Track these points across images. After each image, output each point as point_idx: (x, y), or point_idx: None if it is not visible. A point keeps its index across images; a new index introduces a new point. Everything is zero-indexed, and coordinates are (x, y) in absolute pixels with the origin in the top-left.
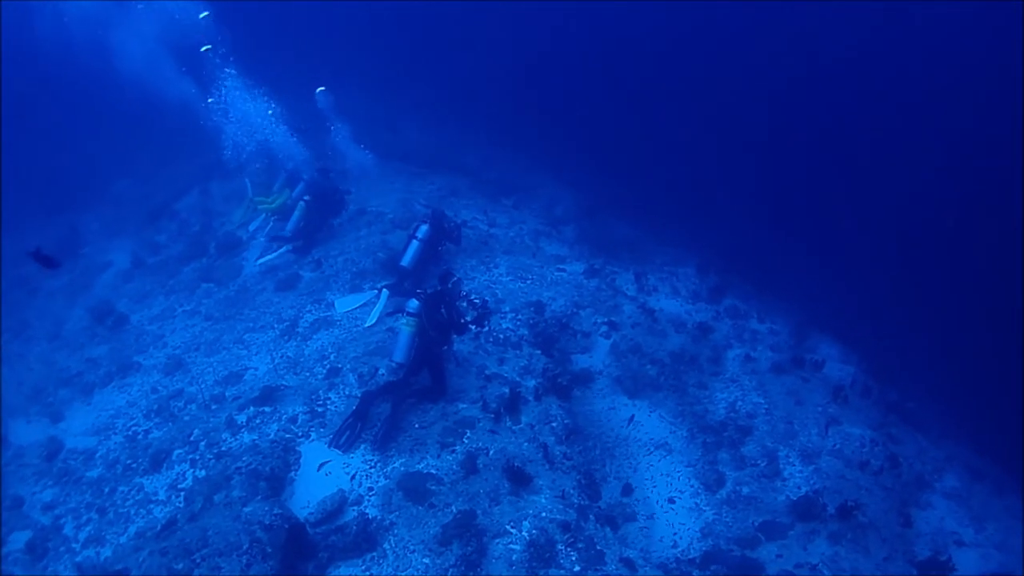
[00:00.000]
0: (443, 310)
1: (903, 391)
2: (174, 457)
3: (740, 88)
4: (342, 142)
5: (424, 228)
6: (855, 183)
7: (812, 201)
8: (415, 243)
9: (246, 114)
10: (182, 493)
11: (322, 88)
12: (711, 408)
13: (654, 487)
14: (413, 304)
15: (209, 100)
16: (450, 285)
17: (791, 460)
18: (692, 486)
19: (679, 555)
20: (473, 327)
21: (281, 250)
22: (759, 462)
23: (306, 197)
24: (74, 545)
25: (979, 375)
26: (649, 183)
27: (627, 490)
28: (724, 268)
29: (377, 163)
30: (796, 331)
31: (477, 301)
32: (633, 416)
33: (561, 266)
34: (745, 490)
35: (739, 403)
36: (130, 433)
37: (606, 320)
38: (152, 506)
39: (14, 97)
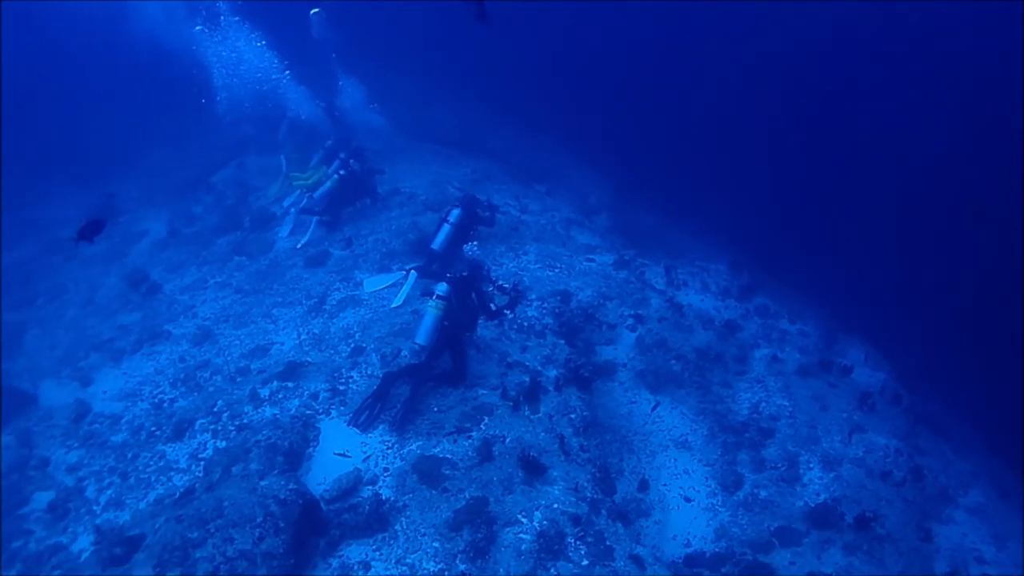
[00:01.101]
0: (473, 295)
1: (935, 401)
2: (197, 427)
3: (780, 82)
4: (349, 100)
5: (456, 212)
6: (901, 188)
7: (853, 203)
8: (446, 227)
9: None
10: (202, 463)
11: (316, 10)
12: (734, 408)
13: (671, 484)
14: (443, 287)
15: (197, 28)
16: (483, 271)
17: (812, 466)
18: (709, 486)
19: (691, 554)
20: (507, 312)
21: (312, 224)
22: (779, 466)
23: (342, 171)
24: (95, 508)
25: (1015, 390)
26: (687, 177)
27: (643, 486)
28: (757, 266)
29: (386, 124)
30: (827, 334)
31: (507, 286)
32: (658, 404)
33: (591, 256)
34: (763, 493)
35: (763, 404)
36: (156, 400)
37: (633, 313)
38: (172, 474)
39: (54, 68)
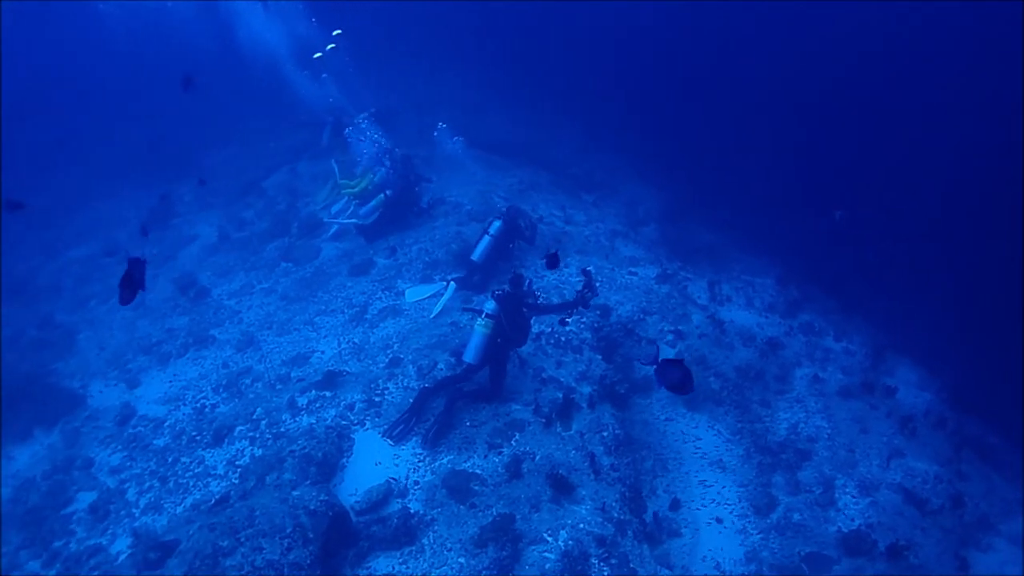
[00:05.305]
0: (524, 310)
1: (984, 424)
2: (236, 433)
3: (833, 92)
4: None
5: (497, 224)
6: (956, 203)
7: (908, 217)
8: (487, 238)
9: None
10: (239, 470)
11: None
12: (772, 428)
13: (703, 505)
14: (490, 305)
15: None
16: (524, 288)
17: (848, 490)
18: (742, 507)
19: None
20: (572, 313)
21: (349, 221)
22: (814, 489)
23: (387, 191)
24: (134, 510)
25: None
26: (738, 188)
27: (675, 505)
28: (807, 281)
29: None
30: (874, 353)
31: (590, 269)
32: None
33: (633, 269)
34: (796, 517)
35: (801, 425)
36: (198, 406)
37: (673, 328)
38: (210, 479)
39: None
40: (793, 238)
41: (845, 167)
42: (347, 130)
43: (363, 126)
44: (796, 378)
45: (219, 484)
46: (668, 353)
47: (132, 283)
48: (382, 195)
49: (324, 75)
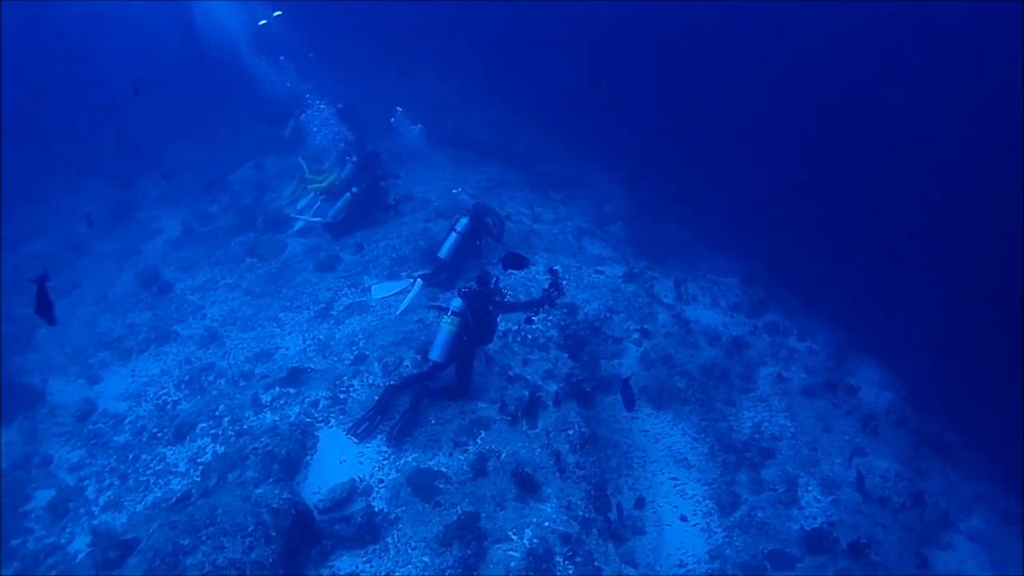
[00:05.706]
0: (491, 308)
1: (944, 422)
2: (198, 430)
3: (803, 94)
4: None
5: (464, 221)
6: (923, 204)
7: (874, 218)
8: (453, 235)
9: None
10: (200, 467)
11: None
12: (736, 427)
13: (668, 502)
14: (457, 303)
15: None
16: (491, 286)
17: (810, 488)
18: (706, 505)
19: (684, 575)
20: (537, 311)
21: (315, 219)
22: (777, 487)
23: (354, 189)
24: (93, 508)
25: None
26: (705, 188)
27: (640, 503)
28: (772, 280)
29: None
30: (837, 352)
31: (557, 269)
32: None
33: (600, 268)
34: (760, 515)
35: (765, 424)
36: (160, 402)
37: (639, 327)
38: (171, 477)
39: (84, 66)
40: (759, 237)
41: (814, 166)
42: (302, 116)
43: (321, 111)
44: (760, 377)
45: (180, 482)
46: (634, 353)
47: (47, 303)
48: (348, 194)
49: (281, 58)
